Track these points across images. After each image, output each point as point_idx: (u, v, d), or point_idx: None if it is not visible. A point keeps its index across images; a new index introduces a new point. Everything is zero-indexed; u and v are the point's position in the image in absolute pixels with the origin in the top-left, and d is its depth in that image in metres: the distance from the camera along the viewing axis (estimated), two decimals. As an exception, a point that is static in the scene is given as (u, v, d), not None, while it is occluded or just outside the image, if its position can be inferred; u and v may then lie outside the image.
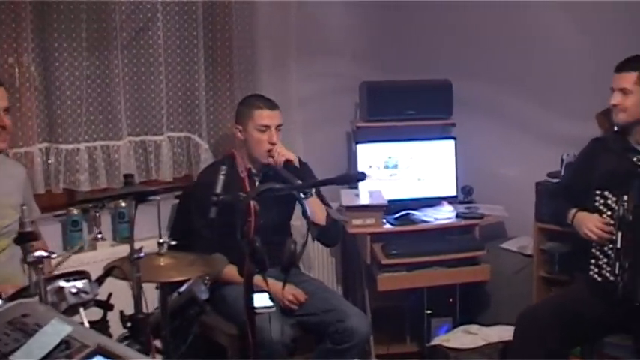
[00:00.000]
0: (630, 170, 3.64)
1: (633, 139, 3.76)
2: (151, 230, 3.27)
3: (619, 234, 3.58)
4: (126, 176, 3.32)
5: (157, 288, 3.04)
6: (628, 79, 3.67)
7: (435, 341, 4.54)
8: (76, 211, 4.13)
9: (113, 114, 4.20)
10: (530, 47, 4.97)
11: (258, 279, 2.89)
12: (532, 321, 3.72)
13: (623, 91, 3.68)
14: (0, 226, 3.39)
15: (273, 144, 4.13)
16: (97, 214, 4.22)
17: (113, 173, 4.21)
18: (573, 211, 3.79)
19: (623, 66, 3.71)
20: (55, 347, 1.95)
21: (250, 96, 4.35)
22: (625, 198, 3.56)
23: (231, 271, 3.65)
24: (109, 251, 4.04)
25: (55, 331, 2.00)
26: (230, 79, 4.67)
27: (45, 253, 2.58)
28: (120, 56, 4.20)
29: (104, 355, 1.85)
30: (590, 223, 3.66)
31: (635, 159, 3.68)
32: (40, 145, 4.00)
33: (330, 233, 4.27)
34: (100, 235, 4.23)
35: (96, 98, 4.16)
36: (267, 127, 4.13)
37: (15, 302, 2.23)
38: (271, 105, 4.20)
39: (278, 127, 4.19)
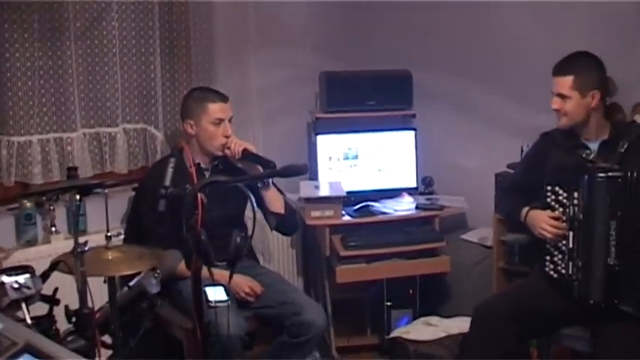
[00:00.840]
0: (579, 165, 3.64)
1: (582, 136, 3.77)
2: (103, 223, 3.20)
3: (571, 234, 3.58)
4: (69, 169, 3.29)
5: (105, 282, 3.02)
6: (564, 84, 3.67)
7: (395, 333, 4.56)
8: (29, 204, 4.08)
9: (66, 105, 4.15)
10: (490, 39, 4.99)
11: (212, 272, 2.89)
12: (488, 315, 3.71)
13: (561, 97, 3.69)
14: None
15: (227, 136, 4.11)
16: (52, 207, 4.17)
17: (67, 165, 4.15)
18: (526, 209, 3.80)
19: (560, 69, 3.72)
20: (-15, 344, 1.93)
21: (197, 89, 4.31)
22: (575, 195, 3.55)
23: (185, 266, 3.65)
24: (64, 244, 3.99)
25: (-15, 327, 1.98)
26: (187, 70, 4.64)
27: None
28: (73, 47, 4.15)
29: (32, 354, 1.82)
30: (543, 223, 3.66)
31: (584, 154, 3.70)
32: (-9, 136, 3.98)
33: (289, 222, 4.27)
34: (54, 229, 4.19)
35: (48, 90, 4.11)
36: (222, 120, 4.11)
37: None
38: (223, 98, 4.18)
39: (230, 120, 4.17)
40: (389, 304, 4.91)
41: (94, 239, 3.31)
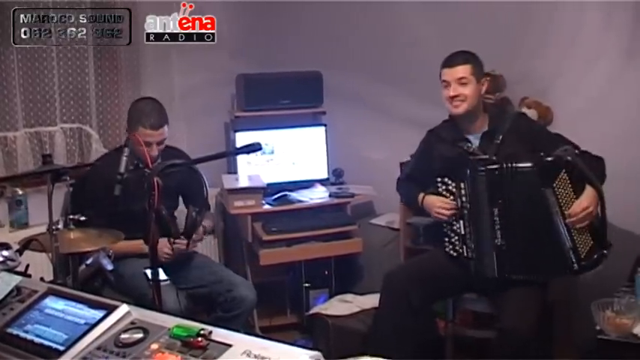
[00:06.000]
0: (462, 158, 3.98)
1: (464, 129, 4.10)
2: (44, 217, 3.34)
3: (461, 221, 3.94)
4: (44, 156, 3.56)
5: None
6: (465, 70, 3.96)
7: (314, 310, 4.87)
8: (-25, 199, 4.33)
9: (10, 106, 4.41)
10: (391, 41, 5.33)
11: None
12: (396, 279, 4.05)
13: (461, 82, 3.96)
14: None
15: (152, 157, 4.04)
16: (-5, 202, 4.42)
17: (11, 162, 4.42)
18: (422, 195, 4.14)
19: (457, 60, 4.00)
20: (7, 295, 2.23)
21: (141, 103, 4.28)
22: (462, 185, 3.91)
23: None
24: (8, 237, 4.11)
25: (4, 282, 2.28)
26: (117, 73, 4.90)
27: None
28: (15, 52, 4.41)
29: (56, 295, 2.14)
30: (437, 204, 4.00)
31: (465, 147, 4.01)
32: (-57, 136, 4.19)
33: None
34: (-1, 221, 4.43)
35: (-7, 93, 4.36)
36: (149, 143, 4.07)
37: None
38: (156, 125, 4.14)
39: (160, 143, 4.17)
40: (307, 285, 5.25)
41: (35, 232, 3.58)
